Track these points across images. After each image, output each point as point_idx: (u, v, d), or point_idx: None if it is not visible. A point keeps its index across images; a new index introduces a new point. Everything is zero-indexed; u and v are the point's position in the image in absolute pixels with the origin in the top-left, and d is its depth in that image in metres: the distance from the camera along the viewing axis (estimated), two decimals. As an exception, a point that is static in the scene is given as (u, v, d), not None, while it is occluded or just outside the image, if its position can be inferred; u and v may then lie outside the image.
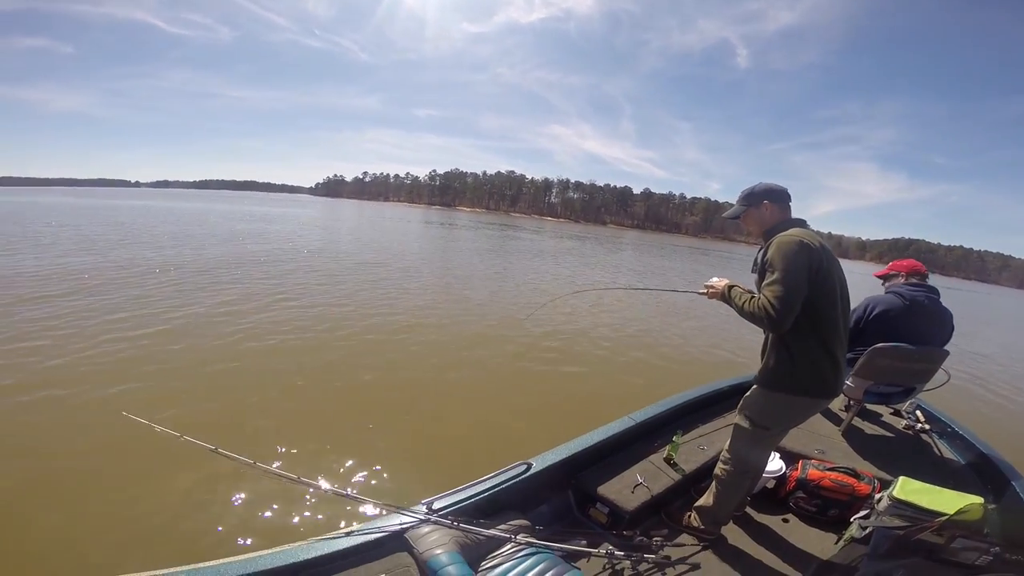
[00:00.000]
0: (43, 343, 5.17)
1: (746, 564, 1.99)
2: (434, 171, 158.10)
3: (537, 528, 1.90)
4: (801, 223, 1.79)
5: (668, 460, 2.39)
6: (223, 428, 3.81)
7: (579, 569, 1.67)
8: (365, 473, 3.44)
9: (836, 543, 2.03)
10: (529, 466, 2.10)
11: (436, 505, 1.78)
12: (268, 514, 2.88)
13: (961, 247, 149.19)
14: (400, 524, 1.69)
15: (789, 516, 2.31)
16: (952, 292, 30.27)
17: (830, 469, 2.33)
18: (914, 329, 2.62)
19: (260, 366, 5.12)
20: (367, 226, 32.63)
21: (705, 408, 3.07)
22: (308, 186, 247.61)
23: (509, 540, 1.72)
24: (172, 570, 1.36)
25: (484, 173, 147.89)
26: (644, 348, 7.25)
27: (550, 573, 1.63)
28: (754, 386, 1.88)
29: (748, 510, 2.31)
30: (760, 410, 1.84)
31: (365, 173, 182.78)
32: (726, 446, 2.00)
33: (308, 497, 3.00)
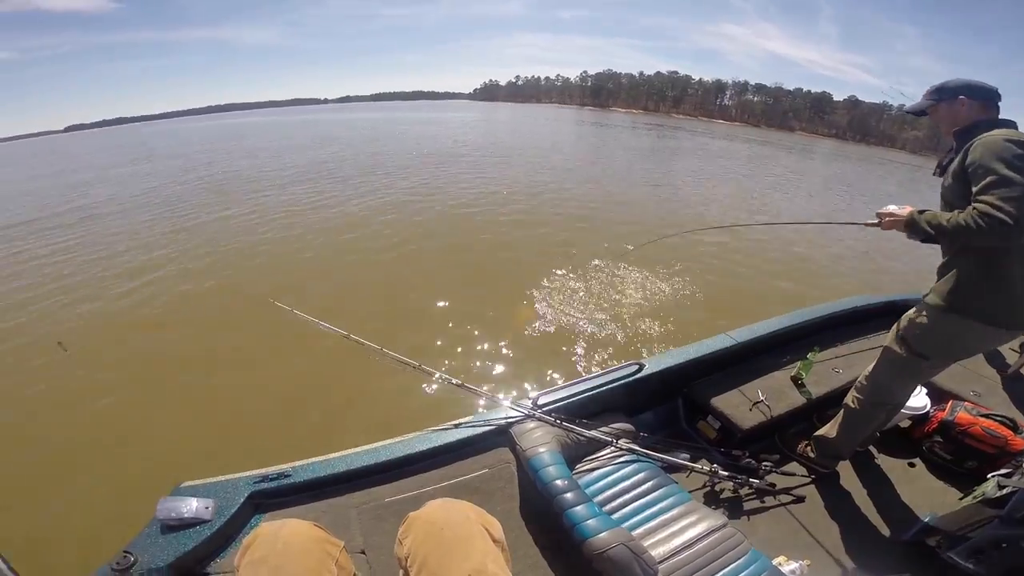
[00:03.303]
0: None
1: (851, 507, 1.84)
2: (585, 72, 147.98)
3: (641, 435, 1.83)
4: (1009, 124, 1.45)
5: (796, 379, 2.19)
6: (358, 318, 4.31)
7: (677, 483, 1.63)
8: (486, 363, 3.70)
9: (960, 499, 1.77)
10: (640, 367, 1.99)
11: (542, 401, 1.77)
12: (390, 400, 3.17)
13: None
14: (506, 419, 1.70)
15: (916, 461, 2.07)
16: None
17: (984, 415, 1.97)
18: None
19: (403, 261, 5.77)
20: (529, 129, 32.72)
21: (848, 326, 2.68)
22: (467, 92, 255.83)
23: (610, 444, 1.68)
24: (305, 462, 1.54)
25: (641, 74, 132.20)
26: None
27: (647, 484, 1.59)
28: (920, 303, 1.61)
29: (871, 448, 2.11)
30: (922, 333, 1.58)
31: (517, 77, 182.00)
32: (865, 371, 1.78)
33: (426, 385, 3.29)
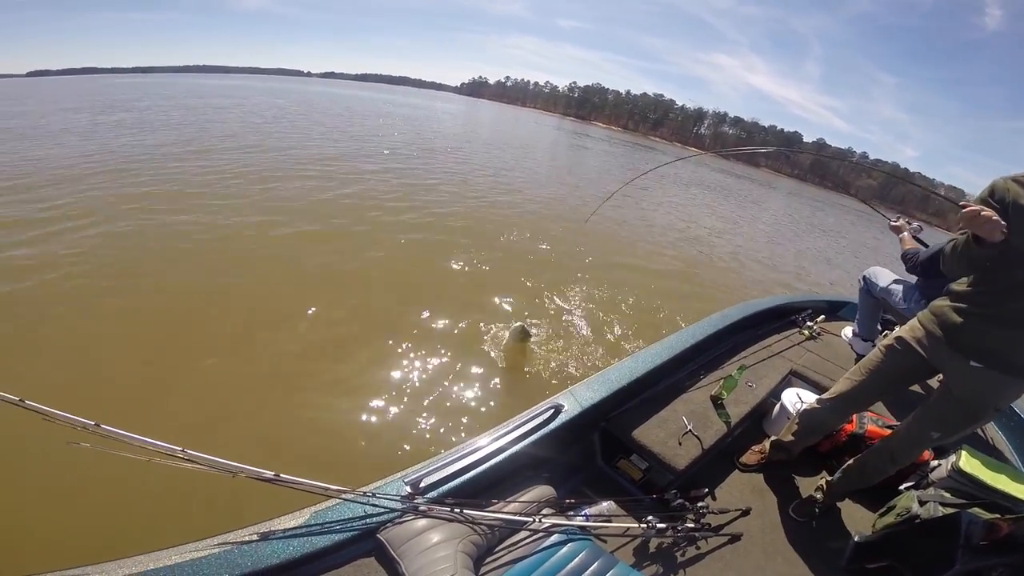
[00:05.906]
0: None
1: (783, 537, 1.71)
2: (574, 83, 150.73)
3: (566, 501, 1.50)
4: None
5: (716, 399, 2.01)
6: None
7: (620, 560, 1.30)
8: (323, 440, 2.53)
9: (880, 515, 1.71)
10: (558, 409, 1.64)
11: (425, 483, 1.29)
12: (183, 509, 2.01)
13: None
14: (366, 517, 1.17)
15: (827, 476, 1.95)
16: None
17: (889, 427, 1.92)
18: None
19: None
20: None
21: (743, 331, 2.62)
22: (453, 85, 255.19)
23: (529, 522, 1.27)
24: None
25: (628, 92, 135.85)
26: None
27: (587, 573, 1.20)
28: (1008, 376, 1.40)
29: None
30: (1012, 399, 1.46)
31: (507, 78, 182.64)
32: (933, 434, 1.51)
33: (208, 483, 1.66)
